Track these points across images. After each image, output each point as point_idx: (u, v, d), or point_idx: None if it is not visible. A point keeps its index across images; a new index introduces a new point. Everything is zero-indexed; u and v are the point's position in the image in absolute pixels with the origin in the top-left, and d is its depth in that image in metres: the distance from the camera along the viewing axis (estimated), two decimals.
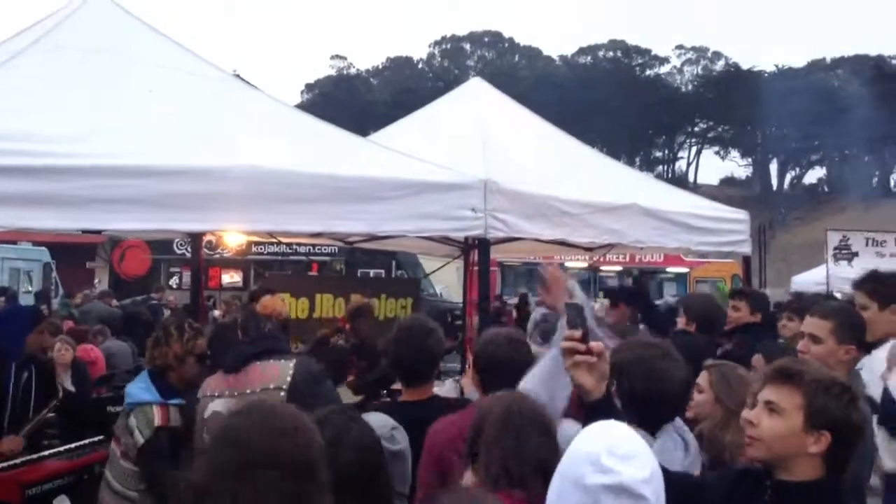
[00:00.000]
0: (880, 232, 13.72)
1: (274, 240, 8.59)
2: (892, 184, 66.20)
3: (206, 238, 9.31)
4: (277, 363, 3.33)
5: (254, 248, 18.25)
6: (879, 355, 3.45)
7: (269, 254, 15.74)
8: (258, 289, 7.34)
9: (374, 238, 7.33)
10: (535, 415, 2.32)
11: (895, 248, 13.01)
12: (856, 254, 12.79)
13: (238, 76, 9.58)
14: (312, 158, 4.78)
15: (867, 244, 12.98)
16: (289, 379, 3.24)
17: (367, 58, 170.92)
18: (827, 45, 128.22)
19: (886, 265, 12.23)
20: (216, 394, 3.35)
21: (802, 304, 5.30)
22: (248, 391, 3.23)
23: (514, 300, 18.64)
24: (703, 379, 3.20)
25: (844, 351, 3.34)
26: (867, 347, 3.53)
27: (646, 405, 2.62)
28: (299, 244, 16.07)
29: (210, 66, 5.74)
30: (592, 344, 2.19)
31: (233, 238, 8.32)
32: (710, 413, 3.08)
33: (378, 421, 2.94)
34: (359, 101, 75.54)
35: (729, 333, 5.36)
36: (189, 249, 10.24)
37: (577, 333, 2.21)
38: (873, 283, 3.84)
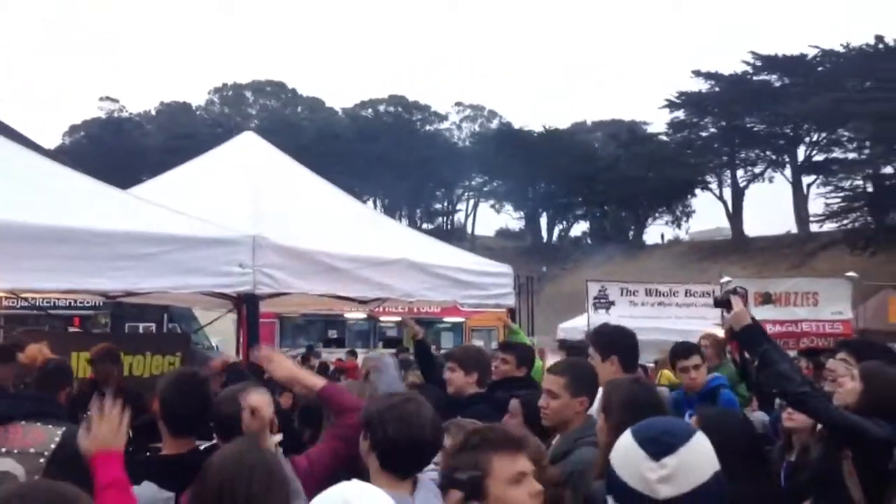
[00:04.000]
0: (633, 283, 14.82)
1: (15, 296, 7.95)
2: (644, 238, 72.40)
3: None
4: (44, 428, 3.15)
5: (4, 302, 16.70)
6: (595, 408, 3.80)
7: (22, 308, 14.43)
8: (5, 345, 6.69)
9: (134, 294, 6.98)
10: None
11: (645, 297, 14.12)
12: (612, 303, 13.70)
13: None
14: (64, 212, 4.52)
15: (622, 294, 13.95)
16: (52, 447, 3.07)
17: (139, 101, 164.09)
18: (587, 108, 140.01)
19: (638, 312, 13.34)
20: None
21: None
22: (3, 450, 3.05)
23: (295, 352, 18.37)
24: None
25: (579, 403, 3.66)
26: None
27: (400, 450, 2.68)
28: (59, 298, 14.92)
29: None
30: None
31: None
32: None
33: (147, 496, 2.91)
34: (130, 145, 72.01)
35: (494, 386, 5.56)
36: None
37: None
38: (595, 336, 4.30)
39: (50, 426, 3.16)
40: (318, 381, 3.55)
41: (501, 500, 2.23)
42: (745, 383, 7.82)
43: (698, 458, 1.80)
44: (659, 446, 1.80)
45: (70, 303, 16.65)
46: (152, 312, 18.22)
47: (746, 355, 7.12)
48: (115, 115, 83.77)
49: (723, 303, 3.82)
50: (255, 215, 5.82)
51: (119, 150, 68.37)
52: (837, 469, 3.36)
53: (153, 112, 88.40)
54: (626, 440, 1.88)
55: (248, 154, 7.38)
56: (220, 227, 5.28)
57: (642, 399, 3.21)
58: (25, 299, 8.89)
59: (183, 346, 8.06)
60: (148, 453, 4.01)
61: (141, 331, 17.49)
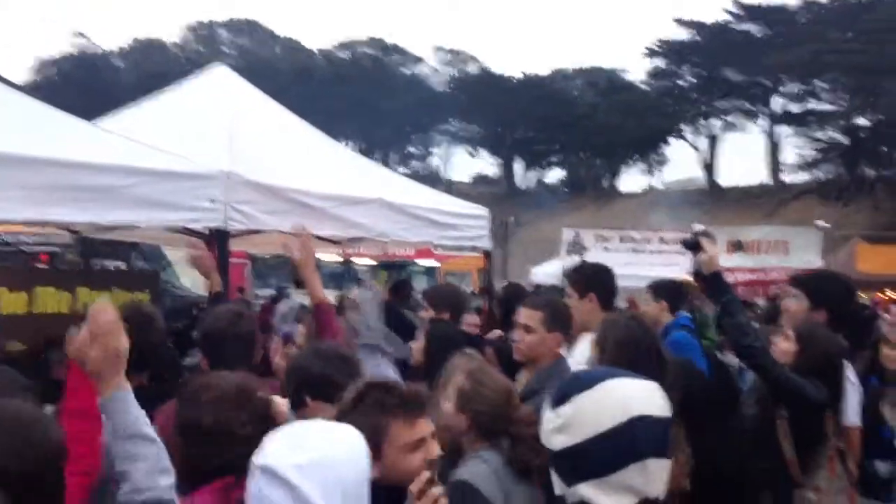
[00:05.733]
0: (607, 229, 14.89)
1: None
2: (619, 186, 72.51)
3: None
4: None
5: None
6: (580, 347, 3.79)
7: None
8: None
9: (103, 228, 6.84)
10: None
11: (619, 244, 14.19)
12: (586, 249, 13.74)
13: None
14: (27, 140, 4.37)
15: (596, 240, 14.01)
16: None
17: (112, 38, 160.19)
18: (568, 55, 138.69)
19: (612, 259, 13.40)
20: None
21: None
22: None
23: (266, 292, 18.29)
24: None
25: (553, 338, 3.64)
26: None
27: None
28: (26, 233, 14.64)
29: None
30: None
31: None
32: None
33: None
34: (102, 83, 70.36)
35: None
36: None
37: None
38: (573, 274, 4.26)
39: None
40: (322, 294, 3.66)
41: (394, 466, 2.15)
42: (716, 327, 7.90)
43: (599, 405, 1.63)
44: (558, 395, 1.70)
45: (36, 239, 16.37)
46: (121, 251, 17.92)
47: None
48: (88, 51, 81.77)
49: (692, 245, 3.71)
50: (227, 150, 5.68)
51: (91, 87, 66.75)
52: (772, 428, 3.40)
53: (126, 49, 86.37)
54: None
55: (220, 88, 7.18)
56: (191, 160, 5.16)
57: (639, 338, 3.19)
58: None
59: (152, 283, 7.97)
60: None
61: (110, 269, 17.24)
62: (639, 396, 1.66)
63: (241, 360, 3.13)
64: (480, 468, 2.71)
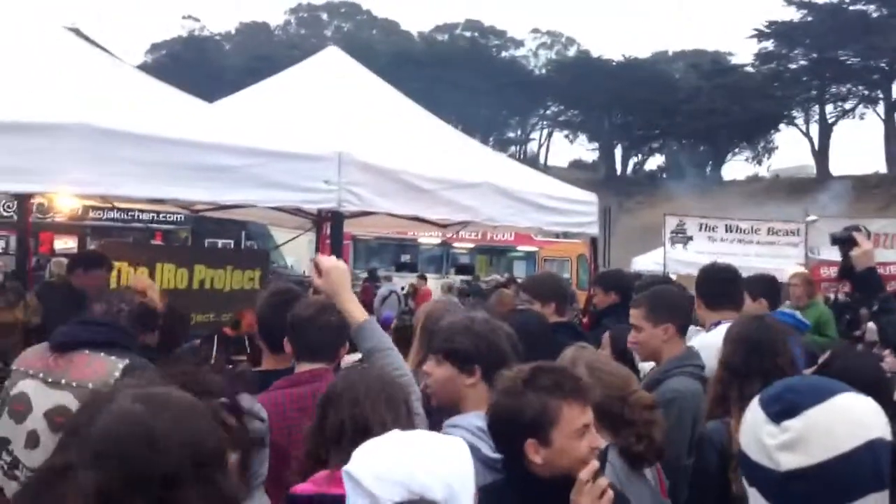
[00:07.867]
0: (712, 218, 14.39)
1: (110, 205, 8.06)
2: (722, 173, 70.44)
3: (37, 200, 8.65)
4: (107, 359, 2.93)
5: (91, 214, 17.18)
6: (711, 340, 3.59)
7: (108, 219, 14.83)
8: (78, 256, 6.78)
9: (220, 207, 7.01)
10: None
11: (725, 233, 13.70)
12: (690, 237, 13.33)
13: (77, 31, 8.92)
14: (152, 120, 4.47)
15: (700, 229, 13.55)
16: (112, 382, 2.83)
17: (219, 21, 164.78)
18: (669, 38, 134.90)
19: (717, 249, 12.97)
20: (30, 371, 2.98)
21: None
22: (62, 381, 2.89)
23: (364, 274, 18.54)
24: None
25: (662, 331, 3.52)
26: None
27: None
28: (141, 210, 15.27)
29: (45, 20, 5.30)
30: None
31: (65, 201, 7.70)
32: None
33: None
34: (210, 65, 72.67)
35: (599, 315, 5.63)
36: (16, 212, 9.50)
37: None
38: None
39: (113, 357, 2.95)
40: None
41: (564, 451, 2.11)
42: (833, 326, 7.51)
43: (836, 421, 1.42)
44: (780, 406, 1.47)
45: (152, 217, 17.05)
46: (230, 230, 18.55)
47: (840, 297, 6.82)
48: (197, 34, 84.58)
49: (843, 240, 3.52)
50: (340, 131, 5.69)
51: (199, 69, 68.99)
52: None
53: (233, 32, 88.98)
54: (753, 403, 1.56)
55: (334, 70, 7.23)
56: (306, 141, 5.19)
57: (755, 336, 3.02)
58: (115, 208, 9.05)
59: (263, 263, 8.13)
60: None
61: (220, 247, 17.82)
62: (873, 416, 1.47)
63: (324, 351, 3.17)
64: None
